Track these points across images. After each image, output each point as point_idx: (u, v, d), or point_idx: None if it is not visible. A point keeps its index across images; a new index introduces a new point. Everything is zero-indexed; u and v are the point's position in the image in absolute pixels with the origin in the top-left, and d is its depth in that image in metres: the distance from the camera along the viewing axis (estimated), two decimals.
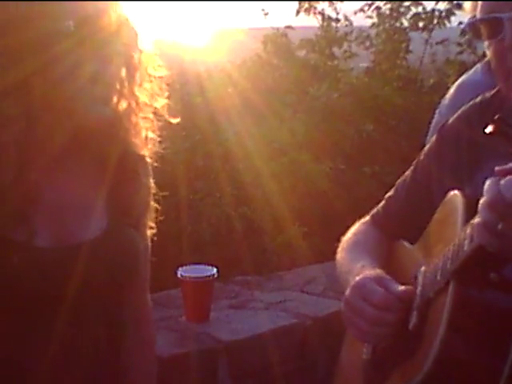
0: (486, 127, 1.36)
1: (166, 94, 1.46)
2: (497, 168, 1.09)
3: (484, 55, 2.45)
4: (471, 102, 1.53)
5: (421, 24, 6.20)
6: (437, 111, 2.52)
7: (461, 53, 6.03)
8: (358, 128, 5.50)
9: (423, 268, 1.40)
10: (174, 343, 2.79)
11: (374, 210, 1.71)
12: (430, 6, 6.22)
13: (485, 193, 1.09)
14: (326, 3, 6.29)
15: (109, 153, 1.41)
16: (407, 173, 1.63)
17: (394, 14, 6.23)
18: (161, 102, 1.46)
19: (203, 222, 4.54)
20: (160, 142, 1.50)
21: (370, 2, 6.27)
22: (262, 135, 5.07)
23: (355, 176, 5.32)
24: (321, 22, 6.33)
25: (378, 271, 1.45)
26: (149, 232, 1.53)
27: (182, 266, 3.02)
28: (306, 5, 6.30)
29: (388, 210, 1.66)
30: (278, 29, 6.26)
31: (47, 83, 1.27)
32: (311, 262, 4.07)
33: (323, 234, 4.71)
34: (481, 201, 1.10)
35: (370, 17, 6.28)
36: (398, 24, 6.25)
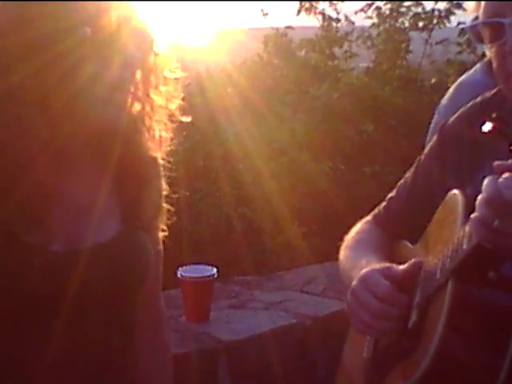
0: (483, 125, 1.37)
1: (182, 95, 1.46)
2: (495, 163, 1.09)
3: (484, 55, 2.45)
4: (471, 102, 1.54)
5: (421, 24, 6.21)
6: (436, 111, 2.52)
7: (460, 53, 6.03)
8: (357, 128, 5.50)
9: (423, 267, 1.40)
10: (174, 343, 2.79)
11: (376, 210, 1.71)
12: (429, 5, 6.24)
13: (483, 189, 1.10)
14: (327, 3, 6.30)
15: (123, 156, 1.41)
16: (408, 173, 1.64)
17: (394, 14, 6.23)
18: (175, 104, 1.46)
19: (203, 222, 4.54)
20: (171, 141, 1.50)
21: (370, 2, 6.28)
22: (262, 135, 5.07)
23: (355, 176, 5.32)
24: (321, 22, 6.34)
25: (385, 263, 1.46)
26: (160, 235, 1.53)
27: (181, 265, 3.02)
28: (307, 5, 6.31)
29: (389, 210, 1.67)
30: (277, 29, 6.27)
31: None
32: (311, 262, 4.07)
33: (323, 234, 4.72)
34: (479, 197, 1.11)
35: (370, 17, 6.29)
36: (398, 24, 6.26)
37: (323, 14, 6.32)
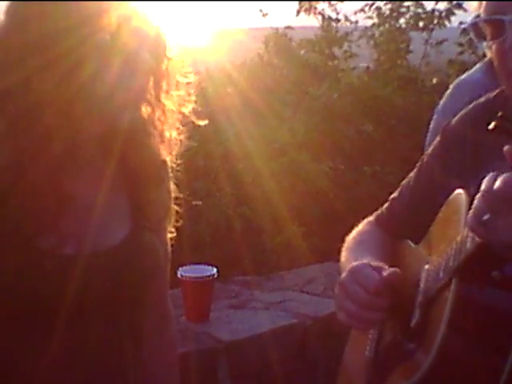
0: (488, 125, 1.37)
1: (194, 98, 1.47)
2: (506, 147, 1.10)
3: (484, 55, 2.45)
4: (474, 102, 1.54)
5: (421, 24, 6.20)
6: (435, 110, 2.53)
7: (462, 53, 6.03)
8: (357, 128, 5.50)
9: (427, 266, 1.40)
10: None
11: (379, 211, 1.71)
12: (430, 5, 6.23)
13: (483, 183, 1.11)
14: (326, 3, 6.29)
15: (133, 158, 1.43)
16: (411, 174, 1.64)
17: (394, 14, 6.23)
18: (188, 108, 1.47)
19: (203, 222, 4.54)
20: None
21: (370, 3, 6.28)
22: (262, 135, 5.07)
23: (355, 176, 5.32)
24: (321, 22, 6.34)
25: (380, 263, 1.46)
26: (168, 236, 1.53)
27: (181, 265, 3.02)
28: (306, 5, 6.31)
29: (392, 210, 1.67)
30: (277, 29, 6.27)
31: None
32: (311, 262, 4.07)
33: (323, 234, 4.72)
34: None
35: (370, 17, 6.29)
36: (398, 24, 6.26)
37: (323, 15, 6.32)
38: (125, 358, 1.42)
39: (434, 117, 2.51)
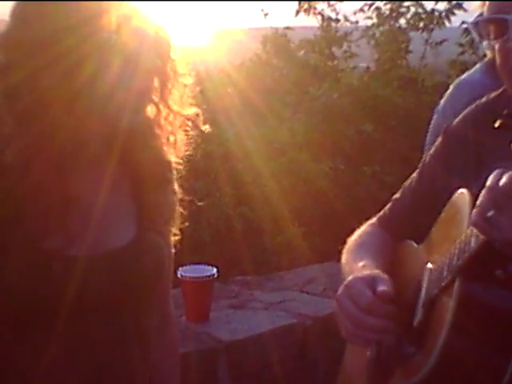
0: (494, 123, 1.38)
1: (195, 100, 1.47)
2: None
3: (485, 55, 2.45)
4: (476, 103, 1.54)
5: (421, 24, 6.20)
6: (435, 110, 2.53)
7: (462, 53, 6.03)
8: (357, 128, 5.50)
9: (429, 265, 1.40)
10: None
11: (381, 212, 1.71)
12: (429, 6, 6.23)
13: (489, 179, 1.11)
14: (325, 4, 6.29)
15: (139, 160, 1.43)
16: (413, 175, 1.64)
17: (394, 14, 6.23)
18: (192, 110, 1.47)
19: (203, 222, 4.54)
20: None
21: (369, 3, 6.27)
22: (262, 135, 5.07)
23: (355, 176, 5.32)
24: (320, 23, 6.34)
25: (375, 271, 1.45)
26: (172, 238, 1.54)
27: (181, 265, 3.02)
28: (306, 5, 6.30)
29: (394, 211, 1.67)
30: (277, 29, 6.27)
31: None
32: (311, 262, 4.07)
33: (323, 234, 4.72)
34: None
35: (370, 17, 6.29)
36: (397, 24, 6.26)
37: (322, 15, 6.32)
38: (131, 360, 1.42)
39: (434, 117, 2.51)
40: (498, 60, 1.38)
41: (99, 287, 1.33)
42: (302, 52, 6.38)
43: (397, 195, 1.68)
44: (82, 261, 1.32)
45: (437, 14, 6.14)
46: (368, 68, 6.37)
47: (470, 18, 1.47)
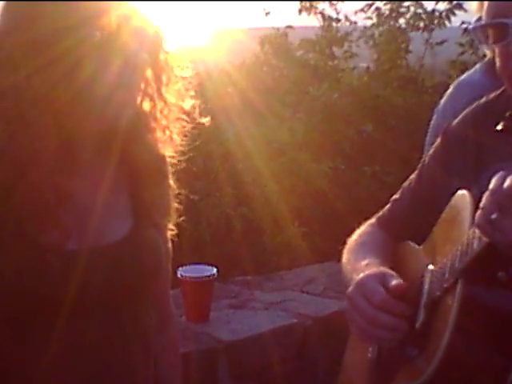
0: (496, 125, 1.38)
1: (192, 93, 1.46)
2: None
3: (485, 56, 2.45)
4: (476, 104, 1.54)
5: (421, 24, 6.20)
6: (435, 110, 2.53)
7: (463, 53, 6.02)
8: (357, 128, 5.50)
9: (430, 267, 1.40)
10: None
11: (380, 213, 1.71)
12: (430, 6, 6.23)
13: (492, 181, 1.11)
14: (327, 3, 6.29)
15: (134, 154, 1.42)
16: (412, 176, 1.64)
17: (394, 15, 6.23)
18: (189, 103, 1.46)
19: (203, 222, 4.54)
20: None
21: (370, 3, 6.27)
22: (262, 135, 5.07)
23: (355, 176, 5.32)
24: (321, 22, 6.34)
25: (382, 268, 1.45)
26: (168, 234, 1.53)
27: (181, 265, 3.02)
28: (307, 4, 6.31)
29: (393, 212, 1.66)
30: (278, 29, 6.27)
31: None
32: (311, 262, 4.07)
33: (323, 234, 4.72)
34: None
35: (370, 17, 6.29)
36: (398, 24, 6.25)
37: (323, 14, 6.32)
38: (132, 361, 1.42)
39: (434, 117, 2.51)
40: (498, 63, 1.38)
41: (97, 282, 1.33)
42: (302, 52, 6.38)
43: (396, 196, 1.68)
44: (78, 255, 1.32)
45: (437, 14, 6.14)
46: (368, 68, 6.37)
47: (470, 17, 1.47)
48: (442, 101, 2.50)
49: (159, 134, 1.44)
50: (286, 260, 4.48)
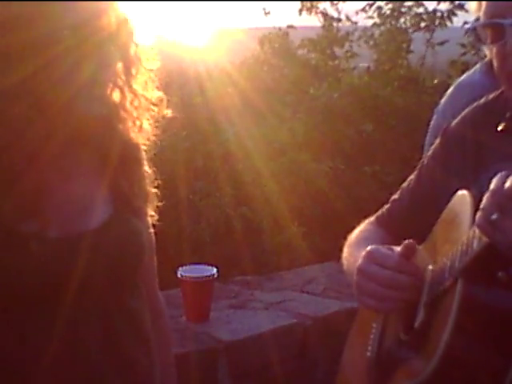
0: (496, 125, 1.38)
1: (158, 84, 1.49)
2: None
3: (486, 56, 2.45)
4: (475, 104, 1.54)
5: (422, 24, 6.20)
6: (435, 110, 2.53)
7: (464, 54, 6.02)
8: (357, 128, 5.50)
9: (430, 266, 1.40)
10: (174, 343, 2.79)
11: (379, 212, 1.71)
12: (431, 6, 6.23)
13: (492, 182, 1.11)
14: (328, 3, 6.30)
15: (109, 144, 1.45)
16: (411, 176, 1.64)
17: (395, 14, 6.23)
18: (157, 94, 1.49)
19: (203, 222, 4.54)
20: (159, 139, 1.52)
21: (371, 2, 6.27)
22: (262, 135, 5.08)
23: (355, 176, 5.32)
24: (322, 22, 6.34)
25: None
26: (150, 220, 1.55)
27: (181, 265, 3.02)
28: (308, 4, 6.31)
29: (392, 212, 1.66)
30: (279, 28, 6.27)
31: (46, 84, 1.28)
32: (311, 262, 4.07)
33: (323, 234, 4.72)
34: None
35: (371, 17, 6.29)
36: (399, 24, 6.26)
37: (324, 14, 6.32)
38: (128, 353, 1.42)
39: (434, 117, 2.51)
40: (495, 63, 1.38)
41: (81, 266, 1.34)
42: (302, 51, 6.39)
43: (395, 196, 1.68)
44: (60, 241, 1.34)
45: (439, 14, 6.14)
46: (368, 68, 6.37)
47: (472, 18, 1.47)
48: (442, 101, 2.50)
49: (130, 124, 1.47)
50: (285, 260, 4.48)
